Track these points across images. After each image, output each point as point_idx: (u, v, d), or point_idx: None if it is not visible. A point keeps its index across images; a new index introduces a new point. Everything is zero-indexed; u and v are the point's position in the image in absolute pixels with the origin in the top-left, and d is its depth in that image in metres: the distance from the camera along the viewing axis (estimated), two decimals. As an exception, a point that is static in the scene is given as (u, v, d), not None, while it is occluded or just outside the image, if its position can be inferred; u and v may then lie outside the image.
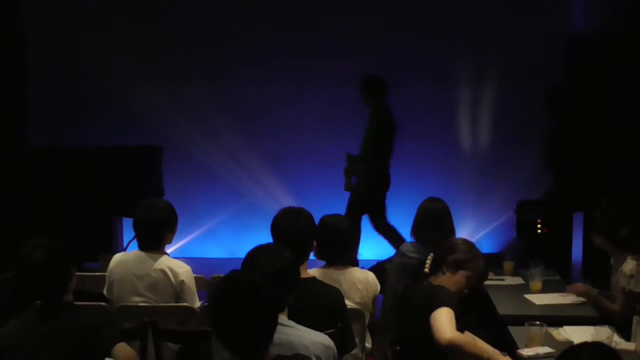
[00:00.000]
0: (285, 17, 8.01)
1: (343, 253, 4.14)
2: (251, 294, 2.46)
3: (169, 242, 4.26)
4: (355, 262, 4.45)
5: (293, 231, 3.61)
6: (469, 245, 3.69)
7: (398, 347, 3.66)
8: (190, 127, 7.89)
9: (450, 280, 3.59)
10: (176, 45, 8.02)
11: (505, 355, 3.52)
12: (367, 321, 4.07)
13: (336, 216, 4.23)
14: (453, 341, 3.30)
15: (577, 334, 3.88)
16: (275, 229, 3.70)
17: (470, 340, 3.37)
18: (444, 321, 3.33)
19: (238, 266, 3.06)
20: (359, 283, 4.07)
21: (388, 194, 7.45)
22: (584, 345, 2.36)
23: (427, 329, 3.38)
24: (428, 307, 3.40)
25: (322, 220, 4.10)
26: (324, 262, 4.15)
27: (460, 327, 3.43)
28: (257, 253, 3.04)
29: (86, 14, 7.97)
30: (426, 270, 3.70)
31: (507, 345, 3.86)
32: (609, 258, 5.12)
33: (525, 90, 7.69)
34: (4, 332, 3.11)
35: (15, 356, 3.05)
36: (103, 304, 3.96)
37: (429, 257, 3.73)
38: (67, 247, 3.20)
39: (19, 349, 3.05)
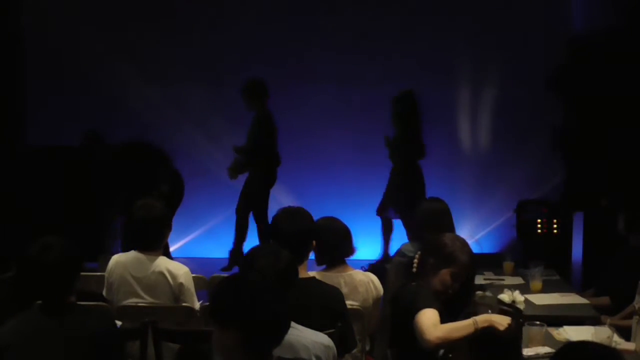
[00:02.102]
0: (284, 18, 8.01)
1: (340, 254, 4.13)
2: (255, 296, 2.45)
3: (164, 241, 4.28)
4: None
5: (292, 230, 3.62)
6: (451, 241, 3.62)
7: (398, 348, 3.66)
8: (190, 127, 7.89)
9: (434, 280, 3.56)
10: (176, 45, 8.02)
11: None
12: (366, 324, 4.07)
13: (329, 218, 4.25)
14: (439, 339, 3.26)
15: (577, 334, 3.87)
16: (274, 228, 3.70)
17: (452, 326, 3.33)
18: (424, 324, 3.29)
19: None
20: (360, 286, 4.06)
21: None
22: (586, 344, 2.34)
23: (412, 331, 3.37)
24: (410, 310, 3.38)
25: (317, 223, 4.09)
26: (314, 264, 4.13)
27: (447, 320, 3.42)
28: (256, 254, 3.04)
29: (86, 14, 7.98)
30: (414, 270, 3.68)
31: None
32: (608, 258, 5.12)
33: (526, 90, 7.69)
34: (5, 330, 3.11)
35: (19, 356, 3.04)
36: (103, 304, 3.95)
37: (416, 256, 3.71)
38: (77, 246, 3.21)
39: (23, 348, 3.05)
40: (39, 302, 3.14)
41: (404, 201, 6.91)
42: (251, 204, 7.21)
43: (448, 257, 3.54)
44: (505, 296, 4.31)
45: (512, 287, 4.68)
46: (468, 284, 3.63)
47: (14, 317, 3.15)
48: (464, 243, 3.62)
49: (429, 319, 3.30)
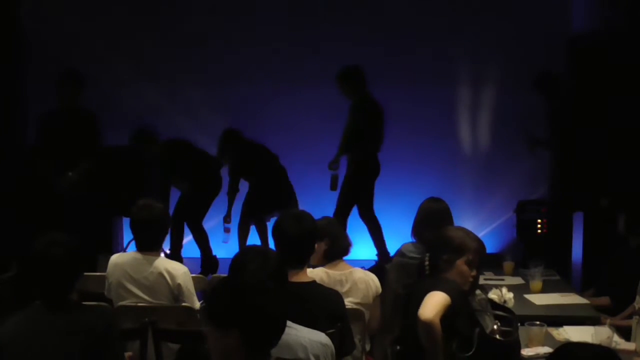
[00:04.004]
0: (283, 17, 8.00)
1: (338, 252, 4.21)
2: (254, 297, 2.45)
3: (164, 242, 4.29)
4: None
5: (296, 234, 3.60)
6: (455, 232, 3.67)
7: (398, 347, 3.66)
8: (190, 128, 7.88)
9: (452, 275, 3.57)
10: (175, 45, 8.02)
11: None
12: (366, 320, 4.09)
13: (327, 218, 4.31)
14: (431, 322, 3.26)
15: (577, 334, 3.88)
16: (278, 232, 3.67)
17: (440, 337, 3.32)
18: (433, 302, 3.31)
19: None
20: (360, 283, 4.12)
21: (386, 189, 7.49)
22: (583, 345, 2.35)
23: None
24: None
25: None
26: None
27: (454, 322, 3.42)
28: (244, 258, 3.04)
29: (86, 14, 7.97)
30: (427, 272, 3.68)
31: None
32: (608, 258, 5.13)
33: (526, 90, 7.68)
34: (7, 327, 3.11)
35: (20, 352, 3.04)
36: (104, 304, 3.95)
37: (426, 258, 3.71)
38: (82, 244, 3.22)
39: (24, 345, 3.04)
40: (42, 299, 3.15)
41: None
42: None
43: (459, 247, 3.56)
44: (495, 296, 4.28)
45: (511, 287, 4.68)
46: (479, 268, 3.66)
47: (15, 314, 3.15)
48: (466, 230, 3.68)
49: (440, 303, 3.31)
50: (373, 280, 4.18)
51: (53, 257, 3.08)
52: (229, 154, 7.30)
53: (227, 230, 7.57)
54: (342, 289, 4.00)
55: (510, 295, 4.20)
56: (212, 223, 7.63)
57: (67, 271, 3.13)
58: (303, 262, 3.62)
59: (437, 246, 3.66)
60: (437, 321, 3.28)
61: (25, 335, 3.07)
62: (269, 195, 7.31)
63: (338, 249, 4.20)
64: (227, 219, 7.47)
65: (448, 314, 3.34)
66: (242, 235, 7.51)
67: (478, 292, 3.63)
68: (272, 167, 7.37)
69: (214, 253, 7.38)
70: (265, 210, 7.36)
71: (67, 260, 3.11)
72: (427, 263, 3.68)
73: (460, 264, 3.54)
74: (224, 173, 7.39)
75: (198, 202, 7.31)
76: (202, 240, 7.38)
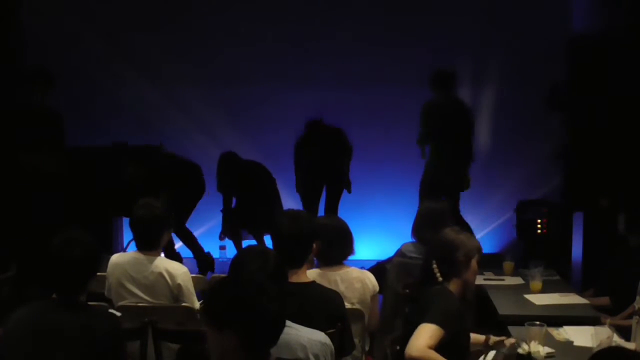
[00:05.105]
0: (282, 17, 8.02)
1: (339, 252, 4.13)
2: (252, 297, 2.44)
3: (165, 242, 4.27)
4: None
5: (294, 234, 3.57)
6: (457, 234, 3.68)
7: (398, 347, 3.65)
8: (190, 127, 7.90)
9: (467, 274, 3.60)
10: (175, 45, 8.03)
11: None
12: (365, 320, 4.07)
13: (330, 216, 4.26)
14: (415, 358, 3.25)
15: (577, 334, 3.88)
16: (275, 232, 3.66)
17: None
18: (420, 337, 3.29)
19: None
20: (356, 282, 4.07)
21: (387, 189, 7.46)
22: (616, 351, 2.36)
23: None
24: (425, 314, 3.39)
25: (317, 222, 4.10)
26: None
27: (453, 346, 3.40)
28: (244, 258, 3.04)
29: (86, 14, 7.98)
30: (439, 279, 3.65)
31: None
32: (608, 258, 5.12)
33: (526, 90, 7.69)
34: (16, 323, 3.09)
35: (29, 348, 3.04)
36: (104, 304, 3.96)
37: (434, 264, 3.67)
38: (98, 244, 3.21)
39: (33, 341, 3.04)
40: (53, 297, 3.14)
41: None
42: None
43: (470, 248, 3.62)
44: (521, 350, 3.83)
45: (511, 287, 4.67)
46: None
47: (23, 307, 3.14)
48: (462, 231, 3.74)
49: (429, 337, 3.29)
50: (369, 278, 4.12)
51: (70, 254, 3.07)
52: (228, 177, 7.28)
53: (222, 247, 7.57)
54: (337, 290, 3.96)
55: (539, 347, 3.96)
56: (210, 224, 7.64)
57: (83, 270, 3.11)
58: (301, 262, 3.60)
59: (451, 249, 3.64)
60: (421, 354, 3.24)
61: (32, 331, 3.05)
62: (264, 211, 7.27)
63: (331, 255, 4.07)
64: (222, 236, 7.45)
65: (443, 343, 3.31)
66: (236, 239, 7.49)
67: (509, 342, 3.60)
68: (268, 183, 7.37)
69: (206, 251, 7.35)
70: (258, 223, 7.34)
71: (85, 259, 3.10)
72: (436, 270, 3.63)
73: (474, 263, 3.62)
74: (207, 175, 7.32)
75: (180, 206, 7.21)
76: (189, 241, 7.30)
